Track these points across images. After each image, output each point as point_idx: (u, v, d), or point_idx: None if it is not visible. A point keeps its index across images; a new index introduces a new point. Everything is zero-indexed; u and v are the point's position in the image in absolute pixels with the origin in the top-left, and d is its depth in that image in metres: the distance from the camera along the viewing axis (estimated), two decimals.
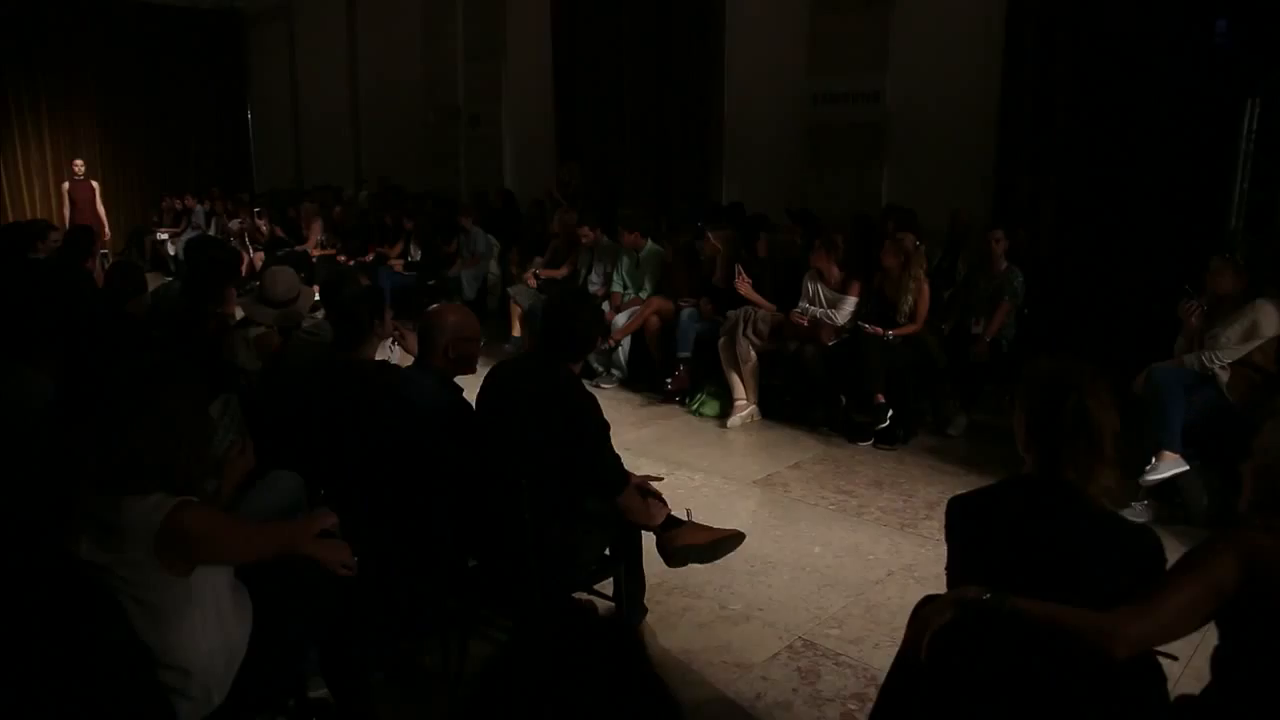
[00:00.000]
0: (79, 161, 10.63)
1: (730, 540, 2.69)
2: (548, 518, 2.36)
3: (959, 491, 4.26)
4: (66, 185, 10.45)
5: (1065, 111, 6.09)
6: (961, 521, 1.71)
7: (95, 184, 10.57)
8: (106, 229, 10.49)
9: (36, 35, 11.77)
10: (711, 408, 5.53)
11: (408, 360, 3.38)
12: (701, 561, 2.70)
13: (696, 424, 5.47)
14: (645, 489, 2.66)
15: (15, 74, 11.74)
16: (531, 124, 9.68)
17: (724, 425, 5.32)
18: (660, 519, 2.66)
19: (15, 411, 2.18)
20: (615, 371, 6.17)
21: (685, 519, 2.68)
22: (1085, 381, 1.59)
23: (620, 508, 2.56)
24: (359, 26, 11.81)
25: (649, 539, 2.75)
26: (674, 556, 2.59)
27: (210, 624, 1.83)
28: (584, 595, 2.91)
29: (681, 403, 5.70)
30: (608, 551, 2.63)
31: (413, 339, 3.09)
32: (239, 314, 4.13)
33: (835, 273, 5.23)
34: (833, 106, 7.28)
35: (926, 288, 5.06)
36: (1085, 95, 5.97)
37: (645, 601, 3.01)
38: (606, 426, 2.54)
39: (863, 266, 5.30)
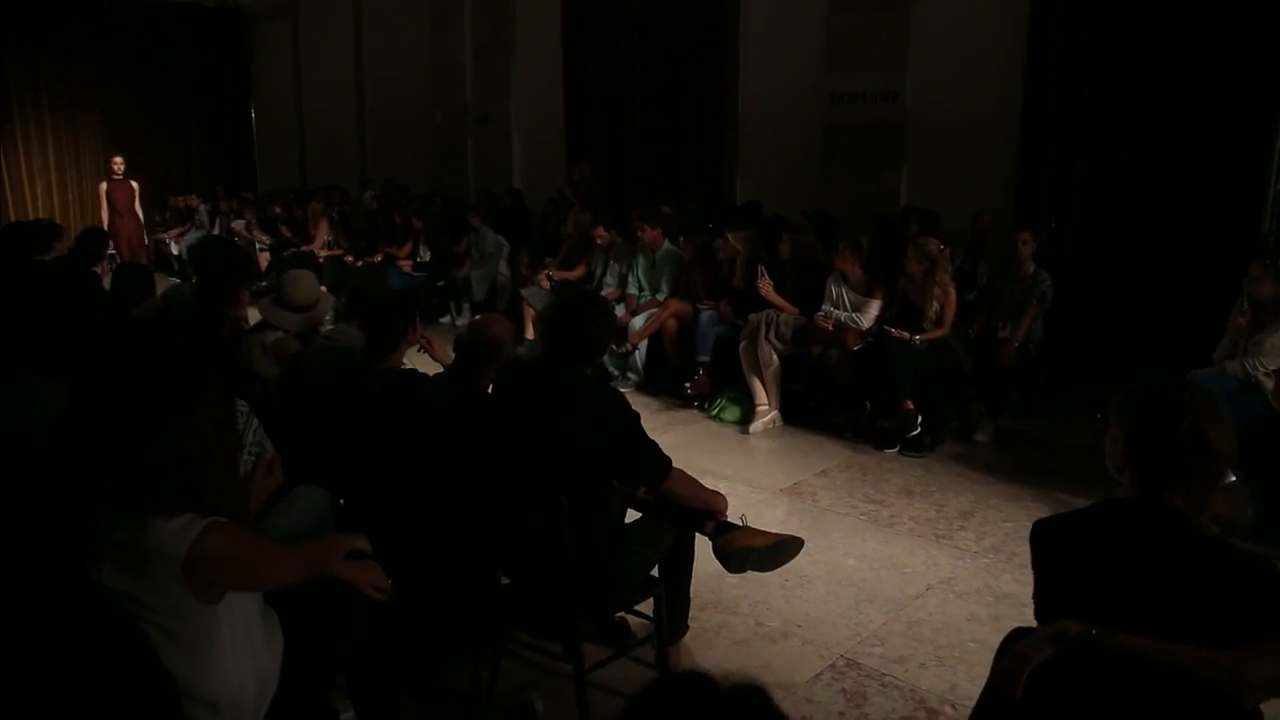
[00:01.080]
0: (118, 160, 9.40)
1: (790, 544, 2.58)
2: (589, 535, 2.24)
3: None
4: (104, 186, 9.29)
5: (1091, 110, 5.97)
6: (1051, 548, 1.59)
7: (135, 184, 9.49)
8: (145, 234, 9.93)
9: (39, 32, 11.63)
10: (732, 413, 5.41)
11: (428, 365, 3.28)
12: (761, 568, 2.60)
13: (716, 429, 5.35)
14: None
15: (17, 71, 11.60)
16: (541, 122, 9.56)
17: (745, 431, 5.21)
18: (723, 512, 2.54)
19: (28, 424, 2.05)
20: (631, 375, 6.05)
21: (740, 524, 2.57)
22: (1201, 403, 1.47)
23: (669, 494, 2.44)
24: (364, 23, 11.68)
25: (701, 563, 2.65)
26: (732, 559, 2.49)
27: (240, 654, 1.71)
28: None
29: (701, 408, 5.58)
30: (655, 572, 2.51)
31: (440, 346, 2.98)
32: (252, 318, 4.02)
33: (859, 275, 5.11)
34: (850, 105, 7.16)
35: (953, 292, 4.94)
36: (1112, 94, 5.86)
37: None
38: (636, 417, 2.43)
39: (886, 269, 5.18)
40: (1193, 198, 5.61)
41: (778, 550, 2.55)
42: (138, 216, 9.49)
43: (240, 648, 1.70)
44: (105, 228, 8.64)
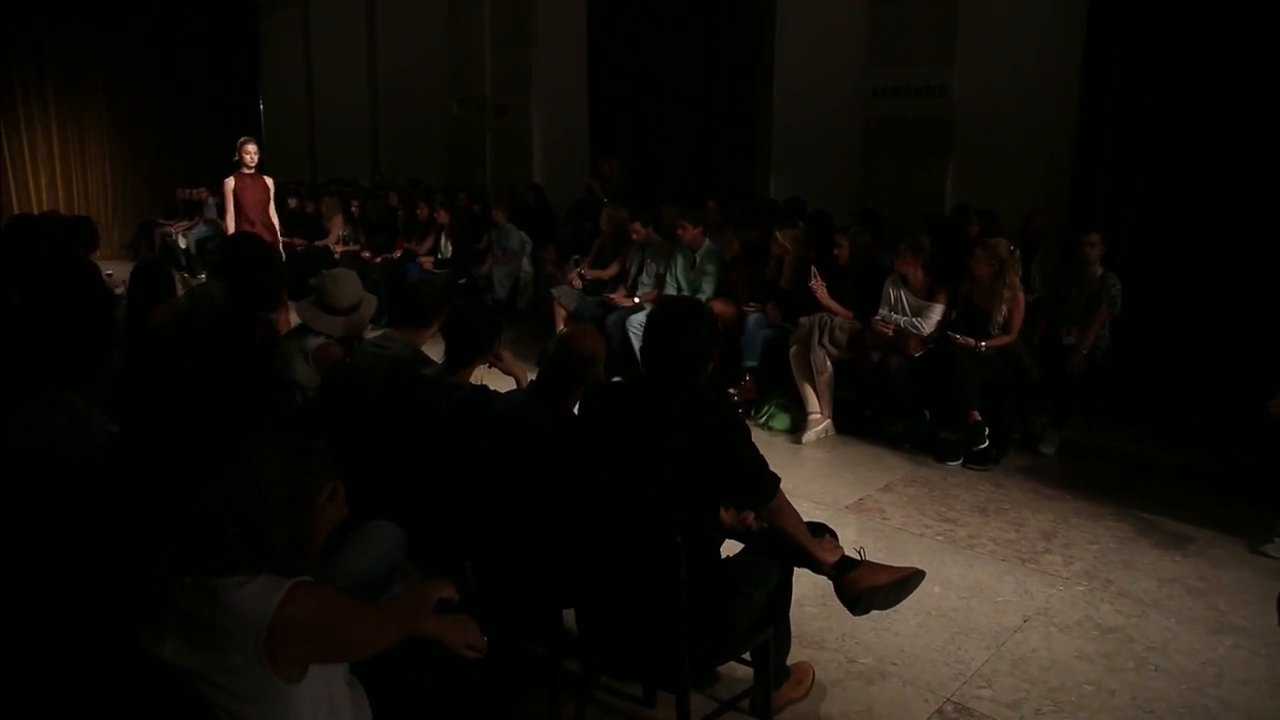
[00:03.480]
0: (251, 147, 6.60)
1: (914, 579, 2.37)
2: (701, 577, 1.97)
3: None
4: (230, 183, 6.54)
5: (1154, 105, 5.69)
6: None
7: (270, 181, 6.77)
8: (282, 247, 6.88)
9: (44, 20, 11.30)
10: (781, 421, 5.14)
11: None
12: (885, 606, 2.38)
13: (766, 439, 5.07)
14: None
15: (22, 60, 11.28)
16: (563, 115, 9.27)
17: (797, 441, 4.94)
18: (835, 557, 2.28)
19: (69, 457, 1.76)
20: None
21: (859, 558, 2.31)
22: None
23: (774, 514, 2.19)
24: (378, 11, 11.36)
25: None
26: (858, 603, 2.26)
27: None
28: None
29: (747, 415, 5.30)
30: None
31: (512, 359, 2.70)
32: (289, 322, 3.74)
33: (921, 278, 4.84)
34: (893, 100, 6.89)
35: (1022, 296, 4.67)
36: (1177, 87, 5.58)
37: None
38: (749, 429, 2.20)
39: (947, 272, 4.91)
40: (1263, 199, 5.35)
41: (902, 586, 2.31)
42: (274, 224, 6.72)
43: None
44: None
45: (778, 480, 2.20)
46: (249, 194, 6.59)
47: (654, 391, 2.10)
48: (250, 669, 1.32)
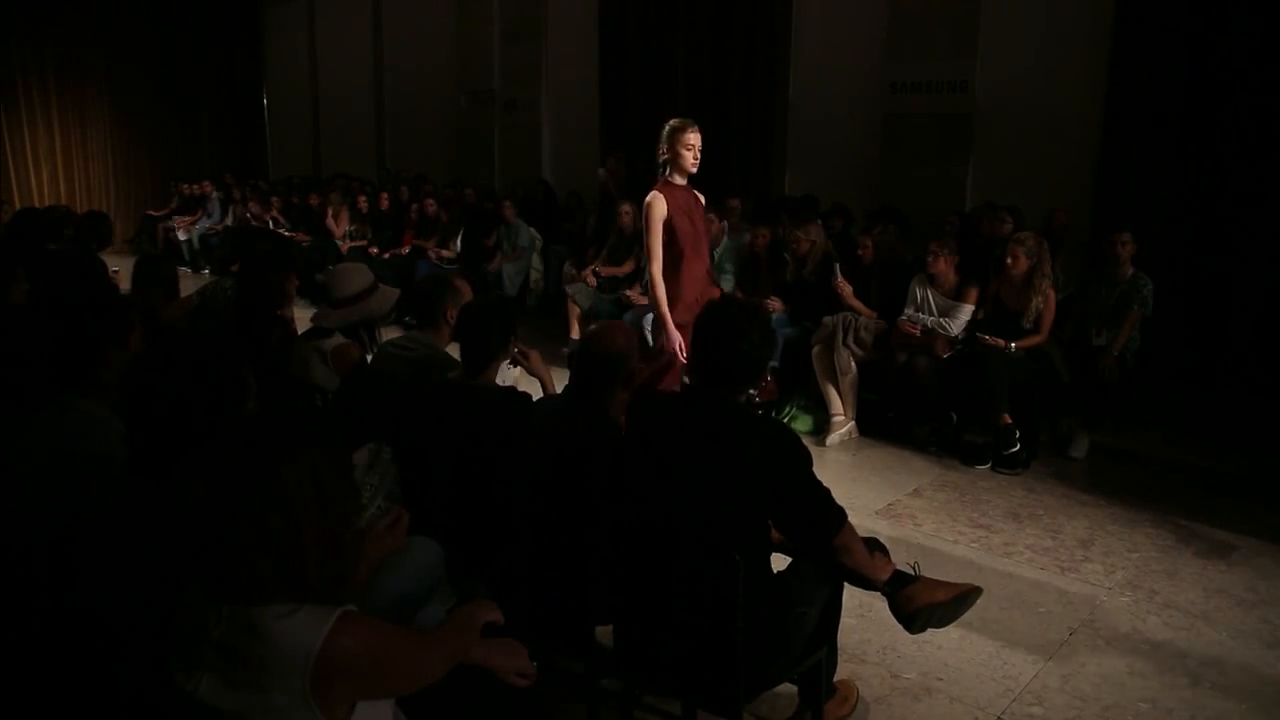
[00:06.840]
0: (693, 137, 3.66)
1: (971, 595, 2.24)
2: (755, 596, 1.86)
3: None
4: (663, 204, 3.63)
5: (1181, 101, 5.57)
6: None
7: (703, 198, 3.98)
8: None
9: (46, 12, 11.15)
10: (804, 423, 5.02)
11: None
12: (942, 625, 2.25)
13: None
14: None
15: (24, 53, 11.14)
16: (574, 110, 9.13)
17: (820, 443, 4.82)
18: (888, 573, 2.17)
19: (87, 469, 1.63)
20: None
21: (914, 573, 2.20)
22: None
23: (839, 550, 2.07)
24: (385, 2, 11.20)
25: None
26: (915, 621, 2.15)
27: None
28: None
29: (768, 416, 5.18)
30: None
31: (538, 358, 2.57)
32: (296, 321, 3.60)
33: (952, 277, 4.72)
34: (913, 95, 6.76)
35: (1052, 294, 4.55)
36: (1205, 83, 5.46)
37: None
38: (810, 457, 2.07)
39: (976, 270, 4.79)
40: None
41: (960, 603, 2.19)
42: (709, 267, 4.04)
43: None
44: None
45: (843, 515, 2.07)
46: (689, 220, 3.73)
47: (706, 408, 1.98)
48: (294, 708, 1.20)
